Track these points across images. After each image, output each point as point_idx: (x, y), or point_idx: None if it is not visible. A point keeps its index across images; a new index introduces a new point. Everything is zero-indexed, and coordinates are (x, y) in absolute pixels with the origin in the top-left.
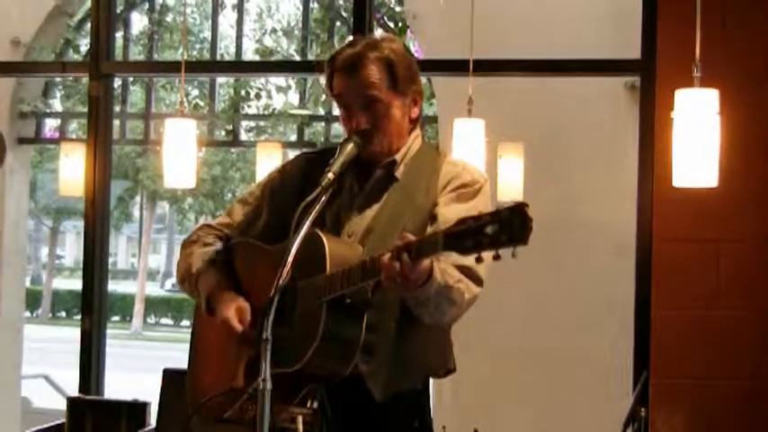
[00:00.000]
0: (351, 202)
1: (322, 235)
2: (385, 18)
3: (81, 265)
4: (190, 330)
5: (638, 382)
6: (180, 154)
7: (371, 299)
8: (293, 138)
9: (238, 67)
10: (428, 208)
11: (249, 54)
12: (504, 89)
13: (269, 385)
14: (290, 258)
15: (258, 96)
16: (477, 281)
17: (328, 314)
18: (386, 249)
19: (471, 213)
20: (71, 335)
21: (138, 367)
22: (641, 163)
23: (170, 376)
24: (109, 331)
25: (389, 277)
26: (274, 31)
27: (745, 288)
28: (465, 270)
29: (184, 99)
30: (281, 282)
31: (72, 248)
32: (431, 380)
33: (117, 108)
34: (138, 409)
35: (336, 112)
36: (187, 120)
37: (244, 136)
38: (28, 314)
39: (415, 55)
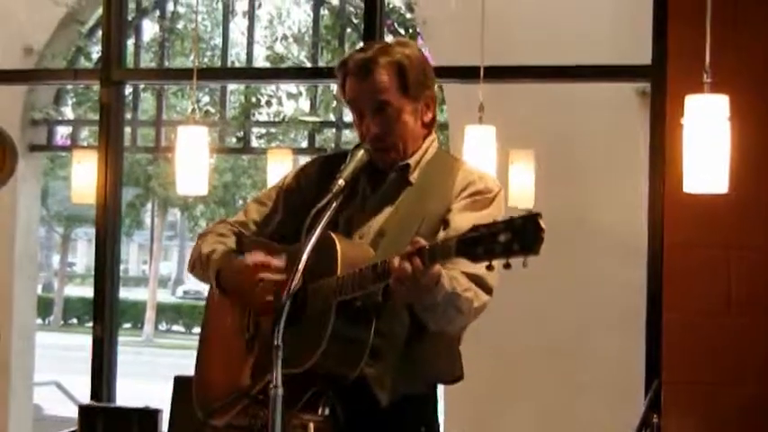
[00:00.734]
0: (363, 205)
1: (334, 236)
2: (395, 24)
3: (92, 273)
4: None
5: (650, 388)
6: (191, 161)
7: (382, 303)
8: (304, 144)
9: (249, 73)
10: (441, 213)
11: (260, 61)
12: (515, 95)
13: (280, 392)
14: (302, 265)
15: (269, 103)
16: (487, 290)
17: (338, 316)
18: (397, 253)
19: (484, 222)
20: (82, 342)
21: (150, 374)
22: (652, 169)
23: (181, 383)
24: (120, 338)
25: (399, 280)
26: (285, 37)
27: (757, 294)
28: (475, 278)
29: (196, 106)
30: (292, 287)
31: (83, 255)
32: (438, 385)
33: (128, 115)
34: (150, 415)
35: (347, 118)
36: (198, 127)
37: (255, 143)
38: (39, 321)
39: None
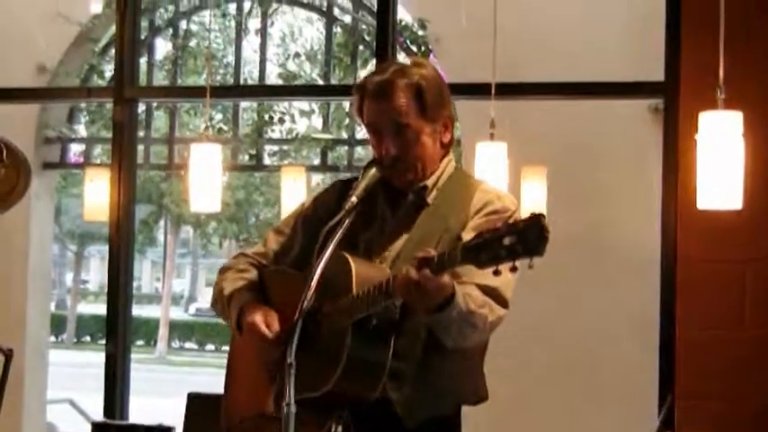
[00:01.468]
0: (382, 228)
1: (348, 256)
2: (408, 42)
3: (105, 290)
4: (215, 354)
5: (664, 404)
6: (204, 178)
7: (398, 322)
8: (316, 161)
9: (262, 91)
10: (458, 233)
11: (272, 78)
12: (526, 112)
13: (293, 409)
14: (314, 282)
15: (282, 120)
16: (503, 303)
17: (354, 337)
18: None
19: None
20: (96, 359)
21: (163, 391)
22: (665, 185)
23: (194, 400)
24: (133, 355)
25: (406, 287)
26: (297, 55)
27: None
28: (490, 291)
29: (208, 123)
30: (305, 305)
31: (96, 273)
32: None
33: (141, 133)
34: None
35: (359, 135)
36: (211, 144)
37: (267, 160)
38: (53, 339)
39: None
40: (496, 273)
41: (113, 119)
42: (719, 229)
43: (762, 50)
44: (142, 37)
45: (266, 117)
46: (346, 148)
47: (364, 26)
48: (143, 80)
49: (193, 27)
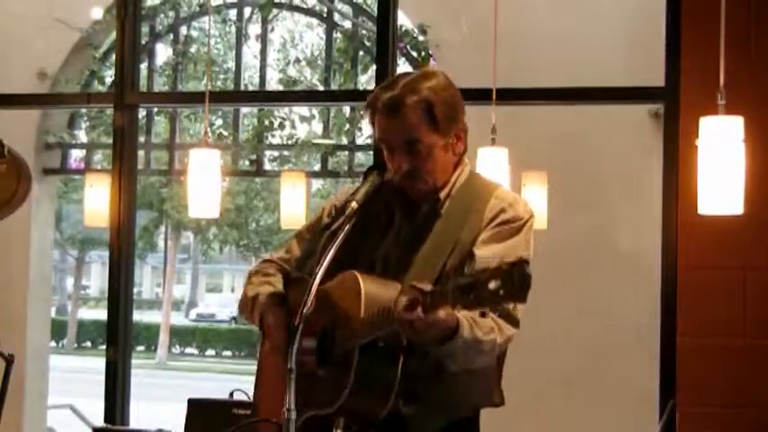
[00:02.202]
0: (399, 240)
1: (359, 276)
2: (408, 47)
3: (106, 296)
4: (216, 360)
5: (664, 412)
6: (204, 184)
7: (407, 343)
8: (317, 167)
9: (262, 96)
10: (470, 243)
11: (273, 84)
12: (527, 117)
13: (293, 415)
14: (314, 288)
15: (282, 126)
16: (514, 322)
17: (361, 358)
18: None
19: (509, 253)
20: (96, 365)
21: (163, 397)
22: (666, 191)
23: (195, 406)
24: (134, 361)
25: (402, 327)
26: (298, 60)
27: None
28: (502, 312)
29: (209, 129)
30: (305, 311)
31: (97, 279)
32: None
33: (141, 138)
34: None
35: (360, 141)
36: (211, 150)
37: (267, 165)
38: (53, 344)
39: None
40: (483, 315)
41: (114, 124)
42: (720, 235)
43: (762, 55)
44: (143, 43)
45: (266, 122)
46: (347, 153)
47: (365, 32)
48: (143, 86)
49: (194, 33)
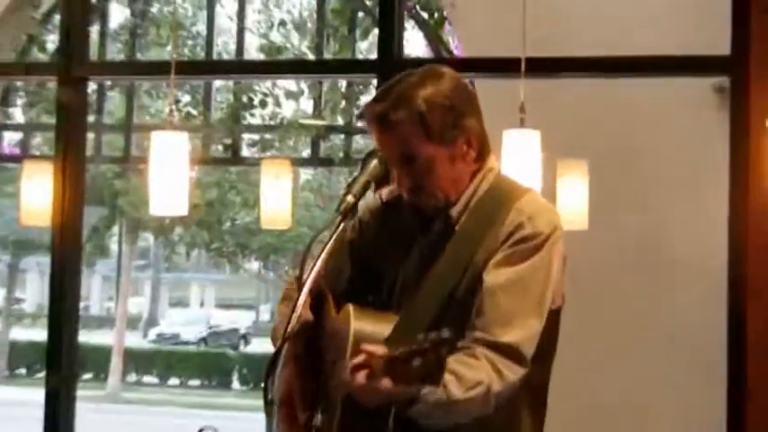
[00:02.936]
0: (416, 258)
1: (351, 311)
2: (418, 8)
3: (45, 312)
4: (181, 391)
5: None
6: (168, 174)
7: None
8: (306, 153)
9: (239, 67)
10: (484, 265)
11: (252, 52)
12: (564, 94)
13: None
14: (301, 300)
15: (263, 104)
16: (521, 361)
17: (343, 413)
18: (423, 319)
19: (519, 280)
20: (33, 396)
21: None
22: (733, 180)
23: None
24: (80, 392)
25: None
26: (283, 24)
27: None
28: (506, 350)
29: (174, 107)
30: (288, 331)
31: (34, 291)
32: None
33: (91, 118)
34: None
35: (360, 123)
36: (177, 132)
37: (246, 151)
38: None
39: (465, 87)
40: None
41: (58, 101)
42: None
43: None
44: (94, 1)
45: (244, 99)
46: (342, 136)
47: None
48: (94, 54)
49: None
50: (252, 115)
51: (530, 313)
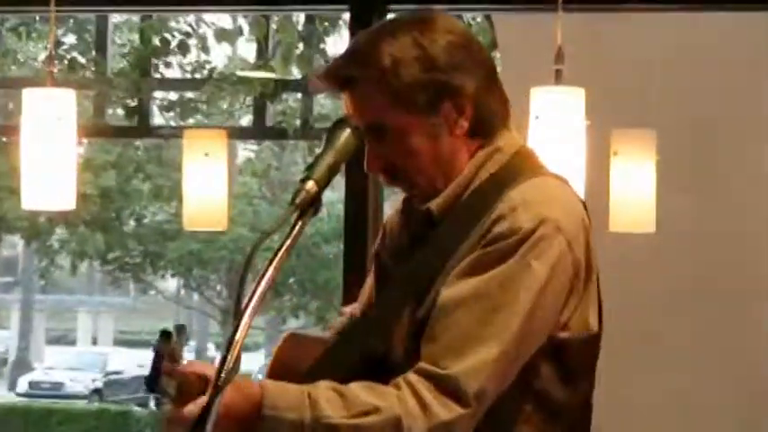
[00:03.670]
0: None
1: (288, 337)
2: None
3: None
4: None
5: None
6: (46, 150)
7: None
8: (246, 120)
9: None
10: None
11: None
12: (616, 39)
13: None
14: (241, 332)
15: (183, 47)
16: (458, 398)
17: None
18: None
19: (480, 295)
20: None
21: None
22: None
23: None
24: None
25: None
26: None
27: None
28: (443, 381)
29: (53, 52)
30: (223, 374)
31: None
32: None
33: None
34: None
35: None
36: (59, 90)
37: (158, 118)
38: None
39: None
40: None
41: None
42: None
43: None
44: None
45: (156, 41)
46: (299, 96)
47: None
48: None
49: None
50: (167, 65)
51: (488, 339)
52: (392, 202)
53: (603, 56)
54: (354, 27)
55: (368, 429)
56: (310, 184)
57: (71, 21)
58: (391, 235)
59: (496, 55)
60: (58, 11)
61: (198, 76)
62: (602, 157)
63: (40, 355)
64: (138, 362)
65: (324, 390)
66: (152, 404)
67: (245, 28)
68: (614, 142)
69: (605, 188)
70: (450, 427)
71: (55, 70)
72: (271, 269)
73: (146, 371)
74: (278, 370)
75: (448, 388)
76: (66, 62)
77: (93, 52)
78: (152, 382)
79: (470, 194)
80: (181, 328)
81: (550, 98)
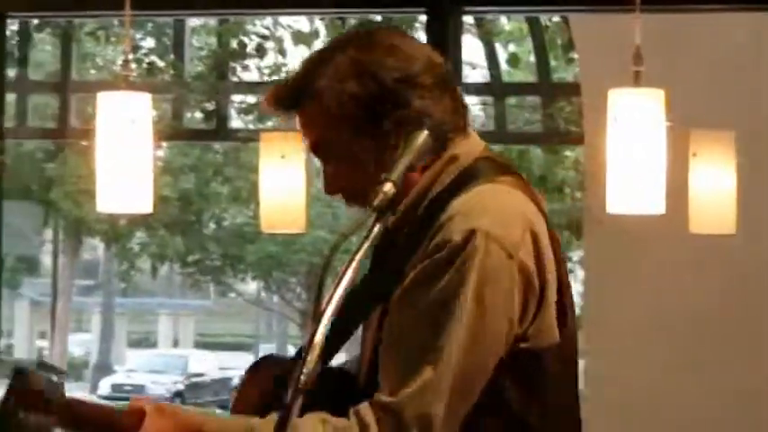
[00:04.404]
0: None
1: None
2: None
3: None
4: None
5: None
6: (123, 154)
7: None
8: None
9: None
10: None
11: None
12: (694, 39)
13: None
14: (320, 335)
15: (260, 51)
16: (398, 426)
17: None
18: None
19: (422, 313)
20: None
21: None
22: None
23: None
24: None
25: None
26: None
27: None
28: (384, 409)
29: (129, 56)
30: (303, 376)
31: None
32: None
33: (11, 73)
34: None
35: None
36: (135, 94)
37: (236, 121)
38: None
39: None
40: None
41: None
42: None
43: None
44: None
45: (234, 45)
46: None
47: None
48: None
49: None
50: (245, 68)
51: (429, 361)
52: None
53: (682, 56)
54: (430, 29)
55: None
56: (388, 186)
57: (149, 24)
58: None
59: (573, 56)
60: (133, 15)
61: (275, 79)
62: (681, 158)
63: (121, 358)
64: (219, 364)
65: (267, 423)
66: None
67: (322, 30)
68: (693, 144)
69: (684, 186)
70: None
71: (131, 74)
72: (349, 271)
73: (227, 373)
74: (245, 397)
75: (390, 416)
76: (144, 66)
77: (172, 56)
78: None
79: (425, 207)
80: (41, 365)
81: (629, 100)
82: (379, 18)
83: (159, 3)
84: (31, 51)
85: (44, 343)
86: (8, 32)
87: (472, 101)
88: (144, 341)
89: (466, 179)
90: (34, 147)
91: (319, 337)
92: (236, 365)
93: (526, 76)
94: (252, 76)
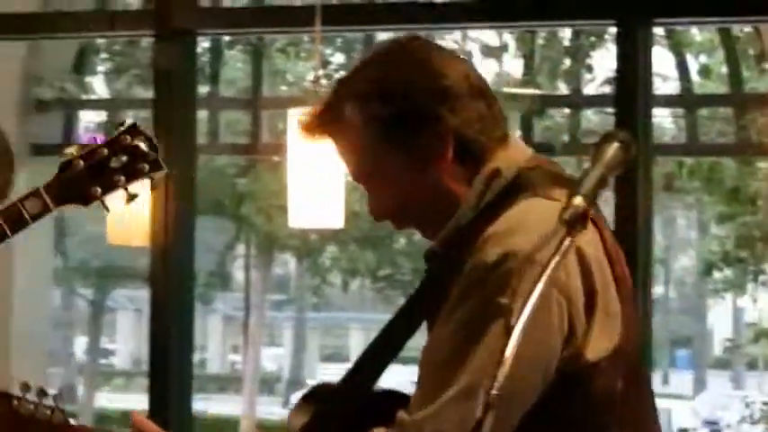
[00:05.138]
0: None
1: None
2: None
3: (144, 368)
4: None
5: None
6: (314, 170)
7: None
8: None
9: (411, 13)
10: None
11: None
12: None
13: None
14: (510, 349)
15: None
16: None
17: None
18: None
19: (447, 337)
20: None
21: None
22: None
23: None
24: None
25: None
26: None
27: None
28: (402, 427)
29: (319, 72)
30: (495, 389)
31: (128, 338)
32: None
33: (203, 90)
34: None
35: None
36: None
37: None
38: None
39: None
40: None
41: (154, 65)
42: None
43: None
44: None
45: None
46: (567, 110)
47: None
48: None
49: None
50: None
51: (451, 383)
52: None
53: None
54: (620, 41)
55: None
56: (579, 200)
57: (339, 40)
58: None
59: (766, 66)
60: (323, 30)
61: None
62: None
63: (313, 373)
64: (410, 378)
65: None
66: None
67: (511, 44)
68: None
69: None
70: None
71: (322, 90)
72: (540, 285)
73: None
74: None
75: None
76: (333, 81)
77: None
78: None
79: (467, 226)
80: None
81: None
82: (567, 31)
83: (349, 18)
84: (223, 68)
85: (237, 357)
86: (200, 50)
87: (663, 113)
88: (336, 355)
89: (509, 196)
90: (226, 163)
91: (510, 351)
92: None
93: (718, 87)
94: None
